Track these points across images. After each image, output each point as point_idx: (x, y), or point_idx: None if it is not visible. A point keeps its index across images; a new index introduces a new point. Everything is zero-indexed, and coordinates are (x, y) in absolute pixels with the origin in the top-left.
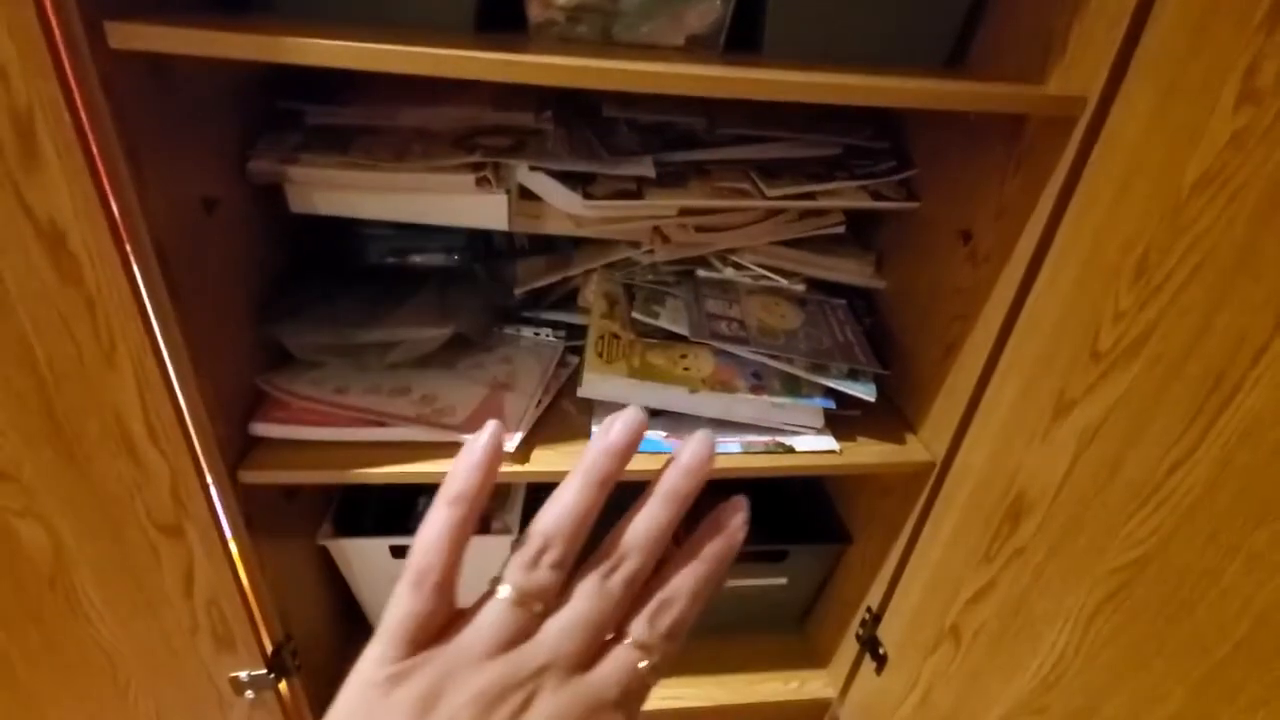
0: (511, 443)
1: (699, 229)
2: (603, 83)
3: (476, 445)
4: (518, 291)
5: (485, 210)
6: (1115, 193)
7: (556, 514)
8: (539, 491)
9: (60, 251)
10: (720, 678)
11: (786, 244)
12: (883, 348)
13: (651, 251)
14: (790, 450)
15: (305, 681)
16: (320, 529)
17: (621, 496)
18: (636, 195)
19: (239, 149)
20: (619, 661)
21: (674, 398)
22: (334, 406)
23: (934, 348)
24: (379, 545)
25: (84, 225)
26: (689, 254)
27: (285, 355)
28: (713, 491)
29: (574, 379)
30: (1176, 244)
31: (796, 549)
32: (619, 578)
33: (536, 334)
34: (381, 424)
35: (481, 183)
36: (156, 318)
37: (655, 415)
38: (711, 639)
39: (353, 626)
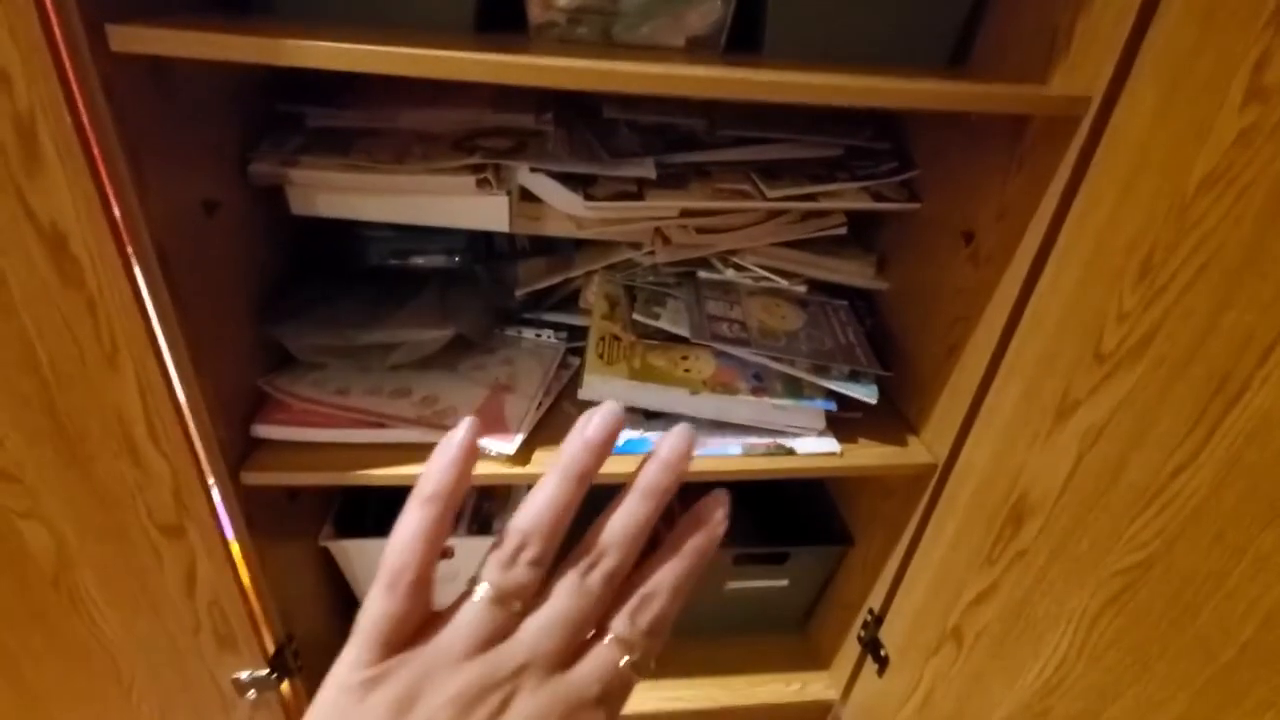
0: (512, 445)
1: (700, 230)
2: (603, 84)
3: (450, 443)
4: (519, 293)
5: (486, 212)
6: (1119, 192)
7: (534, 510)
8: None
9: (62, 254)
10: (721, 679)
11: (788, 245)
12: (884, 349)
13: (652, 253)
14: (791, 452)
15: (307, 682)
16: (322, 530)
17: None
18: (637, 197)
19: (240, 151)
20: (600, 659)
21: (675, 399)
22: (335, 408)
23: (936, 349)
24: (380, 546)
25: (85, 228)
26: (690, 255)
27: (287, 357)
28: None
29: (575, 380)
30: (1182, 243)
31: (798, 550)
32: (598, 574)
33: (538, 335)
34: (382, 425)
35: (482, 184)
36: (158, 320)
37: (655, 417)
38: (712, 640)
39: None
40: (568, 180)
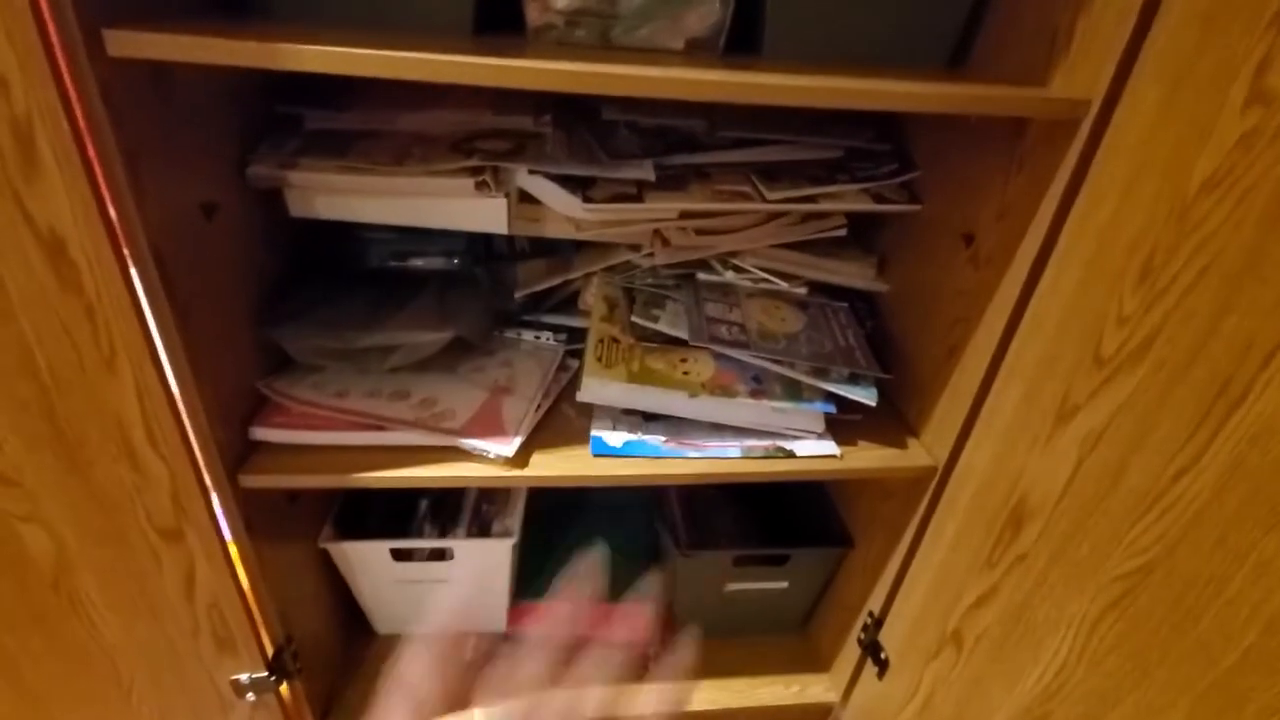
0: (510, 447)
1: (699, 232)
2: (601, 88)
3: None
4: (518, 295)
5: (484, 214)
6: (1120, 194)
7: None
8: (539, 495)
9: (60, 259)
10: (721, 681)
11: (788, 247)
12: (884, 351)
13: (651, 255)
14: (790, 455)
15: (306, 684)
16: (322, 532)
17: (617, 497)
18: (636, 198)
19: (238, 154)
20: None
21: (673, 402)
22: (334, 410)
23: (936, 351)
24: (380, 548)
25: (83, 233)
26: (689, 257)
27: (286, 359)
28: (714, 493)
29: (574, 382)
30: (1183, 246)
31: (798, 552)
32: None
33: (537, 337)
34: (381, 428)
35: (480, 186)
36: (156, 324)
37: (654, 419)
38: (713, 642)
39: (354, 629)
40: (566, 182)
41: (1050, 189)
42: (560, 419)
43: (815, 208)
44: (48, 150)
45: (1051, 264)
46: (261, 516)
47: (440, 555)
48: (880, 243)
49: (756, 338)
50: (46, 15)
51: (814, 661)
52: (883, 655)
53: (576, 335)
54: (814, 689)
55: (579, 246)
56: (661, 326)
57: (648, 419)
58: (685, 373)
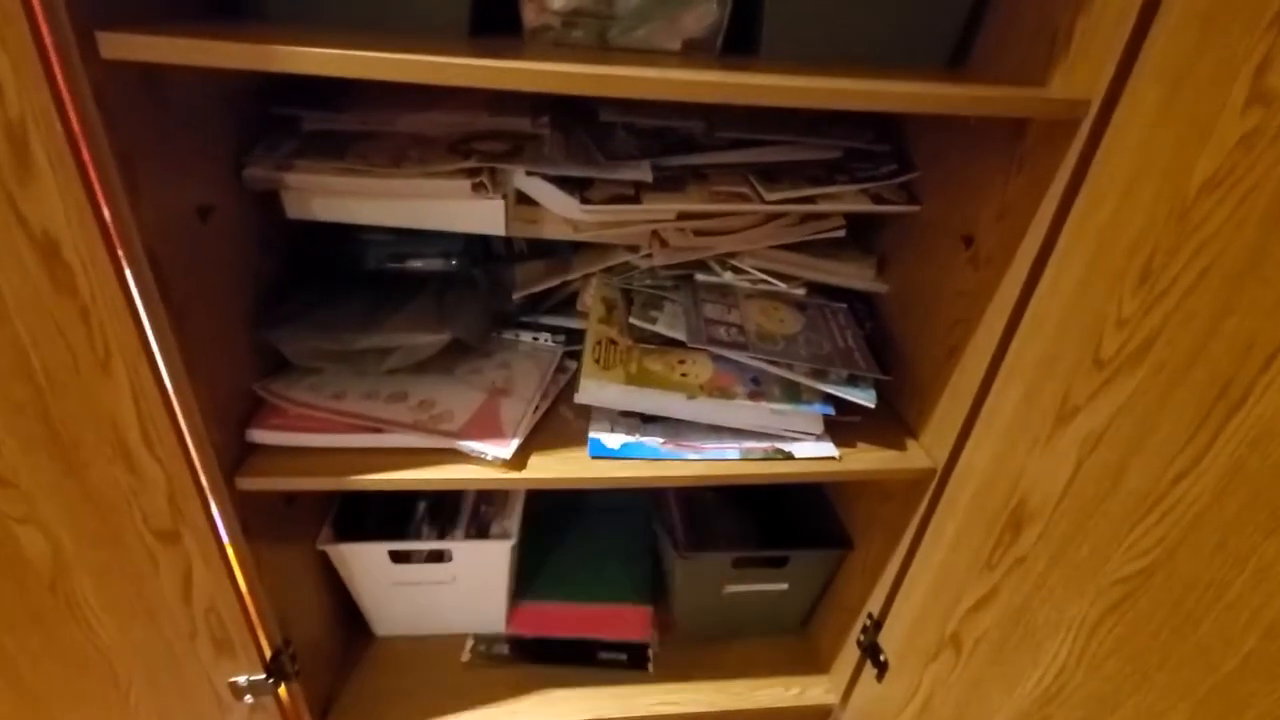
0: (508, 449)
1: (698, 233)
2: (598, 89)
3: None
4: (516, 296)
5: (481, 215)
6: (1120, 195)
7: None
8: (538, 497)
9: (54, 261)
10: (721, 683)
11: (786, 248)
12: (884, 352)
13: (650, 256)
14: (789, 456)
15: (305, 686)
16: (320, 534)
17: (616, 498)
18: (634, 200)
19: (234, 156)
20: None
21: (672, 404)
22: (331, 413)
23: (935, 352)
24: (378, 550)
25: (77, 235)
26: (687, 258)
27: (283, 361)
28: (713, 495)
29: (572, 384)
30: (1183, 247)
31: (797, 554)
32: None
33: (535, 339)
34: (379, 430)
35: (478, 188)
36: (151, 326)
37: (652, 421)
38: (712, 644)
39: (353, 630)
40: (564, 183)
41: (1050, 190)
42: (558, 421)
43: (814, 208)
44: (41, 153)
45: (1051, 265)
46: (259, 519)
47: (439, 557)
48: (880, 243)
49: (755, 339)
50: (40, 18)
51: (813, 663)
52: (882, 657)
53: (575, 336)
54: (813, 691)
55: (577, 248)
56: (659, 328)
57: (646, 421)
58: (683, 374)
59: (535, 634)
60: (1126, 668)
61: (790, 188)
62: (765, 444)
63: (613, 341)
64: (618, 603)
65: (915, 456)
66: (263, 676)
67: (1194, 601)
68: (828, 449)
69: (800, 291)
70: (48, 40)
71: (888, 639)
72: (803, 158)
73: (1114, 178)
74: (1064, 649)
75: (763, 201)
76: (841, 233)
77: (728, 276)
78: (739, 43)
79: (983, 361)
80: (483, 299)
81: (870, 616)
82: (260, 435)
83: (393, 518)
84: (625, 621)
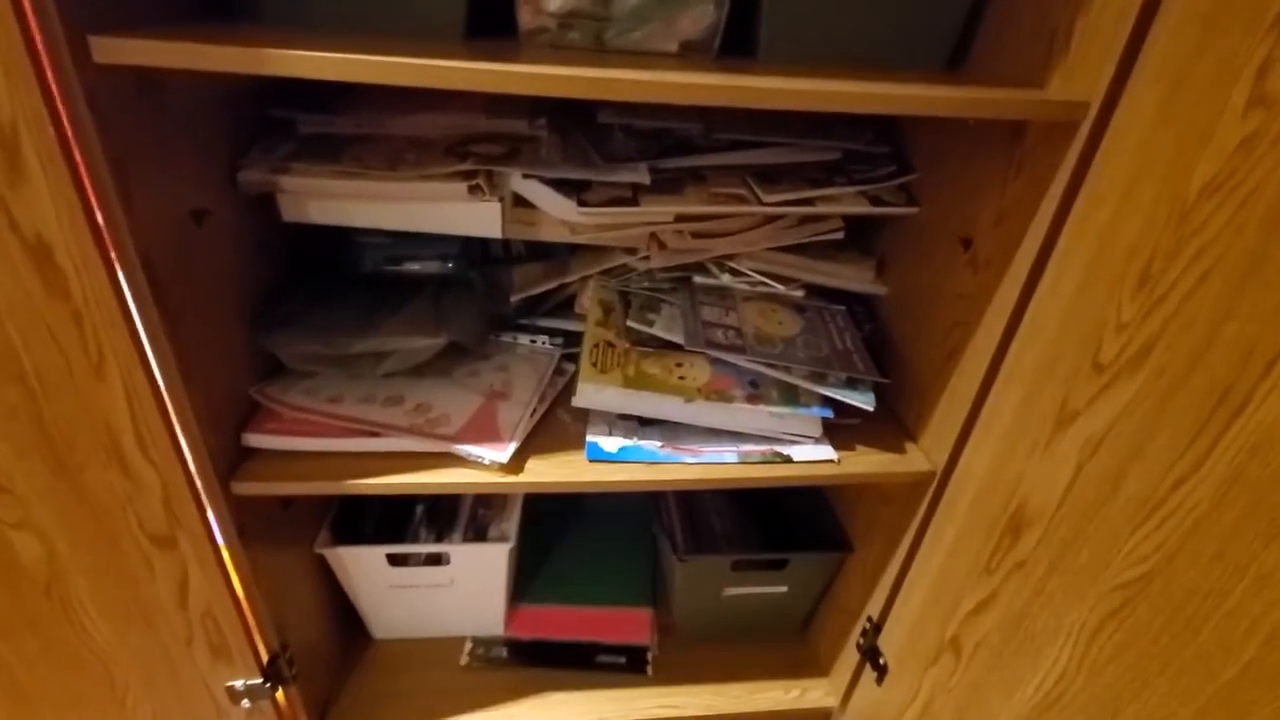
0: (505, 453)
1: (695, 235)
2: (594, 93)
3: None
4: (513, 299)
5: (478, 218)
6: (1119, 197)
7: None
8: (536, 499)
9: (47, 265)
10: (721, 686)
11: (785, 250)
12: (882, 354)
13: (647, 258)
14: (788, 460)
15: (302, 690)
16: (318, 537)
17: (614, 501)
18: (632, 202)
19: (229, 159)
20: None
21: (669, 407)
22: (327, 417)
23: (934, 354)
24: (376, 553)
25: (69, 239)
26: (685, 260)
27: (279, 365)
28: (713, 498)
29: (570, 387)
30: (1183, 251)
31: (797, 557)
32: None
33: (532, 341)
34: (375, 434)
35: (474, 190)
36: (145, 330)
37: (650, 424)
38: (712, 647)
39: (351, 633)
40: (561, 186)
41: (1049, 192)
42: (556, 424)
43: (812, 210)
44: (33, 156)
45: (1050, 268)
46: (255, 523)
47: (437, 560)
48: (878, 245)
49: (753, 342)
50: (32, 22)
51: (813, 666)
52: (882, 660)
53: (572, 339)
54: (813, 694)
55: (574, 250)
56: (657, 330)
57: (644, 424)
58: (681, 377)
59: (534, 637)
60: (1126, 674)
61: (788, 189)
62: (763, 447)
63: (610, 344)
64: (617, 605)
65: (914, 460)
66: (259, 681)
67: (1194, 608)
68: (826, 452)
69: (798, 294)
70: (39, 45)
71: (887, 642)
72: (801, 159)
73: (1113, 180)
74: (1064, 654)
75: (761, 203)
76: (840, 235)
77: (726, 279)
78: (736, 44)
79: (982, 364)
80: (480, 302)
81: (870, 619)
82: (256, 439)
83: (391, 521)
84: (624, 624)
